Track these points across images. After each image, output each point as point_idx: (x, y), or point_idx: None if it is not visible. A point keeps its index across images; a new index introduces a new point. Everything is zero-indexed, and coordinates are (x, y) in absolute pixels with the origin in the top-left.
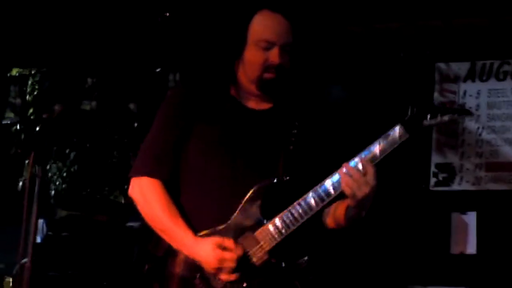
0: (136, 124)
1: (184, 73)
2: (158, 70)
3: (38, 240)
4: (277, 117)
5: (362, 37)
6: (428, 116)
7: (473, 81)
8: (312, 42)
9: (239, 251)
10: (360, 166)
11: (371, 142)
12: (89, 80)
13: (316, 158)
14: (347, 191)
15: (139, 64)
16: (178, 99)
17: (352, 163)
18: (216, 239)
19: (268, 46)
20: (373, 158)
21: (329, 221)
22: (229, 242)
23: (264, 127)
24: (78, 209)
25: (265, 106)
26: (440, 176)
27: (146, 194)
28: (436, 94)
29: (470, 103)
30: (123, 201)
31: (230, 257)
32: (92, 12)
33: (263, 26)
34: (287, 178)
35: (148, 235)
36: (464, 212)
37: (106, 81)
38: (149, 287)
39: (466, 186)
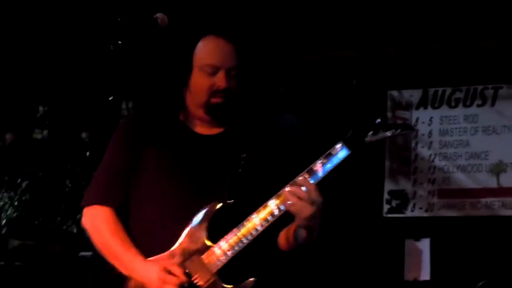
0: (88, 153)
1: (137, 101)
2: (110, 98)
3: None
4: (226, 141)
5: (315, 65)
6: (370, 133)
7: (426, 108)
8: (261, 65)
9: (183, 277)
10: (303, 185)
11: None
12: (41, 108)
13: (262, 180)
14: (292, 210)
15: (91, 93)
16: (128, 127)
17: (295, 182)
18: (163, 263)
19: (213, 70)
20: (315, 176)
21: (282, 243)
22: (175, 268)
23: (213, 152)
24: (31, 238)
25: (214, 131)
26: (393, 203)
27: (96, 223)
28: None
29: (422, 130)
30: (75, 231)
31: (174, 281)
32: (44, 40)
33: (207, 51)
34: (231, 201)
35: (100, 265)
36: (417, 238)
37: (58, 110)
38: None
39: (419, 213)
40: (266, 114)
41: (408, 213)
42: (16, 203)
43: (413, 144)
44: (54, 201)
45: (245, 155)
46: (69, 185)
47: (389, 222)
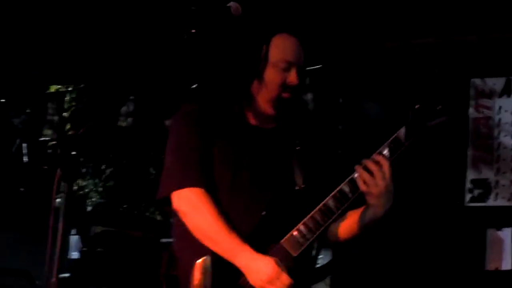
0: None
1: (205, 87)
2: (193, 86)
3: (75, 256)
4: (280, 135)
5: (397, 53)
6: (430, 118)
7: (509, 96)
8: (343, 59)
9: (290, 281)
10: (377, 161)
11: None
12: (127, 96)
13: (326, 167)
14: (363, 187)
15: (175, 80)
16: (197, 113)
17: (368, 159)
18: (276, 259)
19: (286, 67)
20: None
21: (341, 232)
22: (285, 267)
23: (271, 144)
24: (113, 225)
25: (269, 125)
26: (475, 192)
27: (197, 205)
28: (471, 110)
29: (505, 118)
30: (158, 218)
31: (285, 278)
32: (129, 30)
33: (283, 47)
34: (303, 186)
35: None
36: (499, 228)
37: (142, 97)
38: None
39: (501, 202)
40: (350, 103)
41: (490, 203)
42: (100, 189)
43: (496, 133)
44: (138, 188)
45: (299, 147)
46: (153, 173)
47: (471, 211)
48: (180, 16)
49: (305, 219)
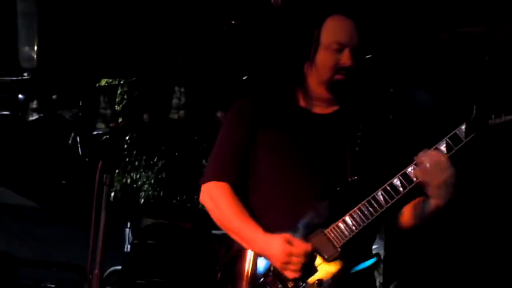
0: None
1: (266, 79)
2: (244, 77)
3: (126, 248)
4: (341, 120)
5: (447, 42)
6: (493, 116)
7: None
8: (393, 49)
9: (307, 247)
10: (431, 156)
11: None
12: (177, 89)
13: (382, 158)
14: (423, 178)
15: (226, 72)
16: (242, 107)
17: (424, 153)
18: (286, 235)
19: (339, 48)
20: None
21: (403, 221)
22: (297, 240)
23: (329, 131)
24: (164, 217)
25: (329, 110)
26: None
27: (215, 198)
28: None
29: None
30: None
31: (298, 251)
32: (179, 24)
33: (334, 29)
34: (355, 178)
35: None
36: None
37: (194, 90)
38: None
39: None
40: (399, 93)
41: None
42: (152, 182)
43: None
44: (190, 180)
45: (360, 133)
46: (205, 165)
47: None
48: (221, 8)
49: (352, 211)
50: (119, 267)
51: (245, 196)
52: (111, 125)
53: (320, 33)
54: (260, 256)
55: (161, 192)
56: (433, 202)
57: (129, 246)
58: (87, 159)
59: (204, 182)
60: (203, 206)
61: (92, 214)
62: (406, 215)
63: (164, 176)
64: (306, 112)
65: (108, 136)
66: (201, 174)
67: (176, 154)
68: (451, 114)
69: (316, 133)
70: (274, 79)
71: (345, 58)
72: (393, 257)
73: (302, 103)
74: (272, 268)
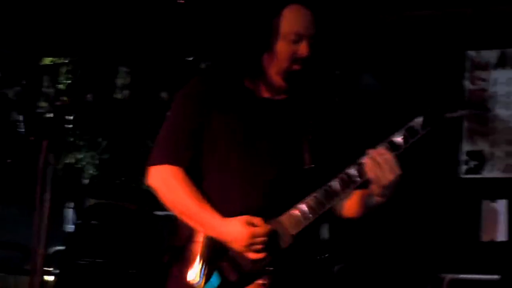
0: (168, 113)
1: (216, 61)
2: (190, 58)
3: (70, 228)
4: (294, 108)
5: (392, 26)
6: (449, 110)
7: (504, 68)
8: (336, 32)
9: (268, 227)
10: (384, 154)
11: (393, 129)
12: (121, 69)
13: (336, 146)
14: (372, 177)
15: (171, 53)
16: (196, 89)
17: (376, 151)
18: (245, 217)
19: (297, 38)
20: (395, 148)
21: (343, 210)
22: (258, 220)
23: (283, 118)
24: (107, 197)
25: (280, 97)
26: (471, 164)
27: (169, 181)
28: (466, 82)
29: (501, 90)
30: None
31: (261, 231)
32: (125, 1)
33: (293, 19)
34: (311, 165)
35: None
36: (494, 199)
37: (138, 70)
38: (172, 276)
39: (496, 174)
40: (345, 77)
41: (486, 174)
42: (96, 162)
43: (491, 105)
44: (134, 160)
45: (313, 121)
46: (150, 145)
47: (466, 182)
48: None
49: (307, 198)
50: (62, 247)
51: (197, 181)
52: (56, 103)
53: (278, 23)
54: (217, 240)
55: (105, 172)
56: (374, 200)
57: (70, 226)
58: (31, 138)
59: (154, 165)
60: (147, 187)
61: (36, 193)
62: (354, 204)
63: (108, 156)
64: (261, 99)
65: (53, 115)
66: (146, 155)
67: (120, 134)
68: (399, 100)
69: (270, 120)
70: (228, 64)
71: (303, 49)
72: (338, 240)
73: (257, 91)
74: (228, 253)
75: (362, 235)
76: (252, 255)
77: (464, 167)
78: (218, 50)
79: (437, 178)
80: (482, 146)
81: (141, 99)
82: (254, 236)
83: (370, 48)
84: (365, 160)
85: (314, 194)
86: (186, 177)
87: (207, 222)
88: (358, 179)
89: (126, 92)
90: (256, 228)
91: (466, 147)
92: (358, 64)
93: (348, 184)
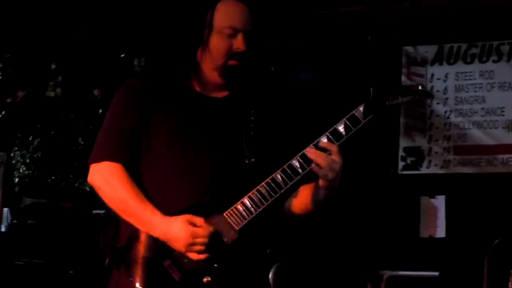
0: (101, 111)
1: (150, 58)
2: (122, 55)
3: (3, 229)
4: (234, 104)
5: (329, 21)
6: (390, 97)
7: (441, 64)
8: (274, 28)
9: (210, 228)
10: (327, 147)
11: (335, 122)
12: (53, 66)
13: (279, 140)
14: (318, 171)
15: (104, 50)
16: (135, 87)
17: (317, 143)
18: (186, 216)
19: (232, 33)
20: (338, 137)
21: (294, 207)
22: (199, 219)
23: (223, 115)
24: (44, 196)
25: (222, 94)
26: (409, 160)
27: (109, 179)
28: (403, 78)
29: (437, 86)
30: (88, 189)
31: (202, 232)
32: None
33: (227, 13)
34: (252, 160)
35: (110, 225)
36: (433, 195)
37: (70, 67)
38: (114, 278)
39: (434, 170)
40: (282, 72)
41: (424, 170)
42: (28, 161)
43: (428, 101)
44: (66, 159)
45: (253, 117)
46: (82, 143)
47: (405, 179)
48: None
49: (250, 193)
50: None
51: (139, 178)
52: (8, 100)
53: (212, 18)
54: (159, 239)
55: (36, 171)
56: (323, 192)
57: (3, 226)
58: None
59: (94, 162)
60: (83, 185)
61: None
62: (302, 200)
63: (40, 155)
64: (199, 95)
65: (4, 113)
66: (78, 153)
67: (52, 132)
68: (349, 96)
69: (211, 117)
70: (165, 61)
71: (239, 43)
72: (276, 239)
73: (195, 87)
74: (171, 252)
75: (301, 232)
76: (194, 256)
77: (401, 164)
78: (152, 46)
79: (375, 175)
80: (420, 142)
81: (73, 96)
82: (194, 236)
83: (306, 44)
84: (308, 150)
85: (257, 188)
86: (126, 174)
87: (148, 221)
88: (300, 170)
89: (58, 89)
90: (196, 229)
91: (403, 143)
92: (294, 60)
93: (291, 176)
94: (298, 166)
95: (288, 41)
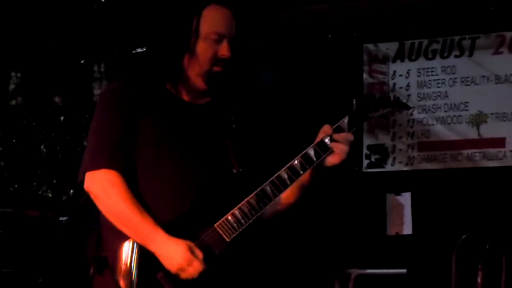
0: (62, 118)
1: (110, 64)
2: (82, 61)
3: None
4: (216, 112)
5: (289, 21)
6: (372, 109)
7: (402, 60)
8: (246, 30)
9: (205, 265)
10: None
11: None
12: (13, 74)
13: (263, 148)
14: (344, 157)
15: (63, 56)
16: (121, 91)
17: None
18: (189, 243)
19: (218, 39)
20: (325, 149)
21: (278, 203)
22: (199, 253)
23: (205, 121)
24: (9, 205)
25: (204, 101)
26: (373, 158)
27: (107, 188)
28: (365, 76)
29: (400, 83)
30: (50, 195)
31: (197, 265)
32: (14, 3)
33: (213, 19)
34: (240, 170)
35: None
36: (398, 193)
37: (30, 75)
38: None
39: (399, 167)
40: (243, 74)
41: (388, 168)
42: None
43: (391, 98)
44: (29, 167)
45: (235, 125)
46: (44, 150)
47: (369, 177)
48: None
49: (240, 204)
50: None
51: (130, 185)
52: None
53: (198, 24)
54: (151, 252)
55: (0, 179)
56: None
57: None
58: None
59: (90, 170)
60: (46, 193)
61: None
62: (286, 193)
63: (2, 164)
64: (183, 102)
65: None
66: (40, 160)
67: (14, 140)
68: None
69: (196, 124)
70: (146, 68)
71: (224, 50)
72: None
73: (180, 93)
74: (162, 267)
75: (267, 231)
76: (182, 276)
77: (366, 162)
78: (113, 52)
79: (340, 173)
80: (384, 139)
81: (35, 104)
82: (189, 264)
83: (266, 44)
84: (297, 161)
85: (247, 200)
86: (124, 183)
87: (147, 235)
88: (288, 182)
89: (19, 98)
90: (194, 260)
91: (367, 141)
92: (254, 60)
93: (279, 188)
94: (287, 177)
95: (248, 42)
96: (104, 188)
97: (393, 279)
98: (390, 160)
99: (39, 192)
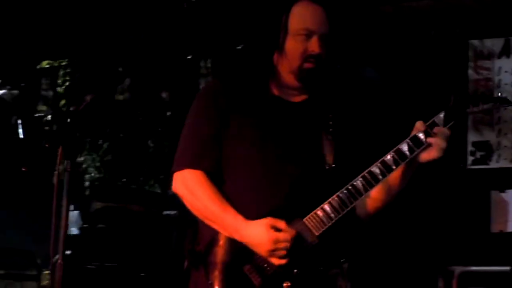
0: (169, 113)
1: (216, 60)
2: (189, 57)
3: (75, 232)
4: (312, 108)
5: (392, 17)
6: (471, 105)
7: (508, 57)
8: (345, 27)
9: (292, 232)
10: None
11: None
12: (121, 69)
13: (358, 145)
14: (440, 152)
15: (170, 52)
16: (214, 91)
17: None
18: (268, 220)
19: (307, 35)
20: (419, 144)
21: (367, 206)
22: (281, 223)
23: (302, 119)
24: (114, 200)
25: (300, 98)
26: (478, 154)
27: (190, 186)
28: (470, 72)
29: (505, 79)
30: (158, 191)
31: (284, 237)
32: (122, 1)
33: (302, 15)
34: (332, 165)
35: (185, 228)
36: (503, 190)
37: (137, 71)
38: (193, 280)
39: (504, 164)
40: (346, 71)
41: (493, 164)
42: (98, 165)
43: (496, 94)
44: (136, 161)
45: (331, 122)
46: (151, 145)
47: (474, 173)
48: None
49: (330, 198)
50: (68, 252)
51: (219, 185)
52: (71, 108)
53: (287, 20)
54: (240, 243)
55: (106, 174)
56: (396, 187)
57: (72, 230)
58: (47, 145)
59: (177, 170)
60: (153, 188)
61: (53, 200)
62: (375, 195)
63: (110, 158)
64: (278, 100)
65: (69, 121)
66: (147, 155)
67: (121, 135)
68: (417, 93)
69: (290, 121)
70: (243, 65)
71: (314, 46)
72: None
73: (274, 91)
74: (252, 257)
75: (370, 230)
76: (276, 261)
77: (470, 158)
78: (219, 48)
79: (444, 170)
80: (488, 136)
81: (142, 99)
82: (277, 241)
83: (370, 40)
84: (389, 156)
85: (337, 194)
86: (208, 181)
87: (230, 225)
88: (380, 177)
89: (126, 93)
90: (279, 234)
91: (472, 137)
92: (358, 57)
93: (371, 183)
94: (379, 172)
95: (352, 38)
96: (188, 187)
97: (497, 277)
98: (495, 157)
99: (146, 187)
